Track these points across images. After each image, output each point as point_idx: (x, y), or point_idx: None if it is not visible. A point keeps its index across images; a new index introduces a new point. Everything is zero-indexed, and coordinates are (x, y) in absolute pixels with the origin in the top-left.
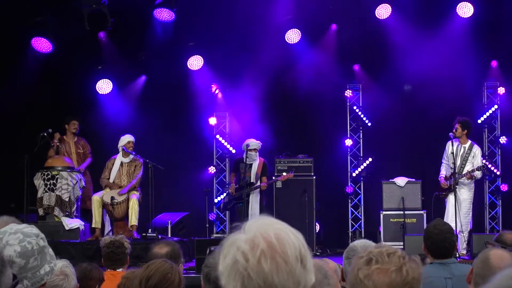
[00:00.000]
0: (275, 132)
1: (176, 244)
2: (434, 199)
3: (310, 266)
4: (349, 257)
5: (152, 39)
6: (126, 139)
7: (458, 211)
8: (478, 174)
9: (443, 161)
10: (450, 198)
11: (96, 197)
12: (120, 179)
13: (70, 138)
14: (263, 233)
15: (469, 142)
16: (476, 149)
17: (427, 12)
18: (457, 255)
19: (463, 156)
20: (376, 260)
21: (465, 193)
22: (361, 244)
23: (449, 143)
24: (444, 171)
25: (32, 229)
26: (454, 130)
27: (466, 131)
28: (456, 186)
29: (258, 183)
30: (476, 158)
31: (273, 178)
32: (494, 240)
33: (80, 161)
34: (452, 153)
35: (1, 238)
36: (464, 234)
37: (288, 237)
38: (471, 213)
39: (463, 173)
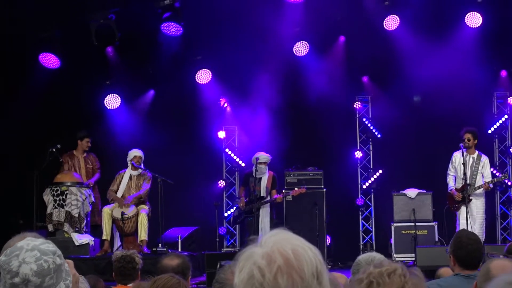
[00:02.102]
0: (285, 145)
1: (186, 256)
2: (446, 211)
3: (326, 283)
4: (355, 272)
5: (160, 53)
6: (133, 153)
7: (471, 222)
8: (491, 184)
9: (449, 172)
10: (463, 210)
11: (106, 209)
12: (129, 192)
13: (80, 153)
14: (280, 248)
15: (477, 152)
16: (485, 159)
17: (436, 23)
18: None
19: (473, 166)
20: (378, 283)
21: (479, 204)
22: (365, 258)
23: (457, 154)
24: (452, 183)
25: (49, 246)
26: (467, 141)
27: (476, 141)
28: (471, 198)
29: (269, 197)
30: (485, 168)
31: (284, 192)
32: (505, 251)
33: (89, 176)
34: (464, 163)
35: (17, 255)
36: None
37: (306, 253)
38: (485, 223)
39: (477, 183)
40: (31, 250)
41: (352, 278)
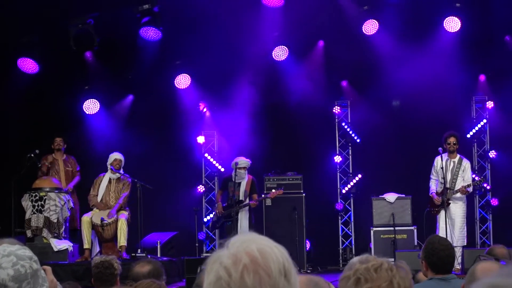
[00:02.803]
0: (264, 150)
1: (158, 262)
2: (426, 215)
3: (295, 281)
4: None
5: (139, 58)
6: (113, 157)
7: (450, 226)
8: (471, 188)
9: (431, 176)
10: (442, 214)
11: (86, 218)
12: (109, 196)
13: (59, 156)
14: (245, 248)
15: (458, 156)
16: (466, 163)
17: (414, 27)
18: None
19: (454, 170)
20: (365, 279)
21: (459, 208)
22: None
23: (438, 158)
24: (434, 187)
25: (25, 251)
26: (452, 144)
27: (458, 145)
28: (450, 202)
29: (247, 201)
30: (466, 172)
31: (262, 195)
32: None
33: (69, 180)
34: (442, 168)
35: None
36: (458, 249)
37: (272, 251)
38: (465, 227)
39: (457, 187)
40: (7, 255)
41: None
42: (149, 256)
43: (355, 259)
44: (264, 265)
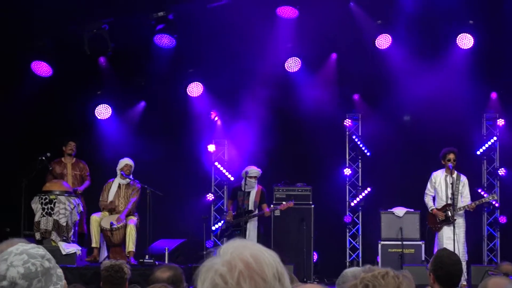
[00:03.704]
0: (274, 160)
1: (179, 268)
2: (428, 231)
3: (288, 285)
4: (340, 284)
5: (152, 65)
6: (123, 162)
7: (457, 242)
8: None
9: (427, 192)
10: (445, 230)
11: (95, 217)
12: (118, 201)
13: (68, 160)
14: (239, 254)
15: (456, 172)
16: (464, 179)
17: (428, 43)
18: None
19: (454, 186)
20: (373, 285)
21: (461, 223)
22: (352, 271)
23: (437, 173)
24: (432, 203)
25: (38, 250)
26: (453, 161)
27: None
28: (455, 218)
29: (257, 211)
30: (465, 188)
31: (272, 206)
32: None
33: (76, 183)
34: (452, 183)
35: (6, 259)
36: (464, 264)
37: (264, 256)
38: (466, 242)
39: (459, 204)
40: (19, 254)
41: None
42: (156, 263)
43: (349, 270)
44: (259, 270)
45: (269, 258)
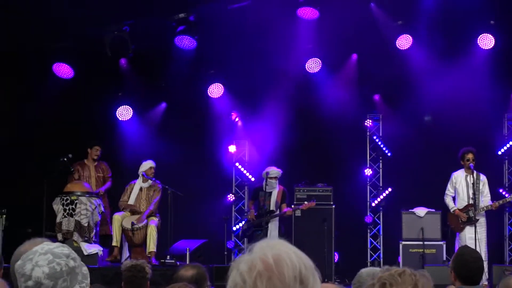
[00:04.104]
0: (294, 161)
1: (203, 267)
2: (450, 232)
3: (314, 287)
4: (355, 283)
5: (173, 66)
6: (147, 165)
7: (479, 241)
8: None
9: (447, 193)
10: (468, 230)
11: (117, 216)
12: (139, 203)
13: (91, 162)
14: (261, 254)
15: (475, 172)
16: (484, 178)
17: (448, 43)
18: None
19: (475, 186)
20: (390, 284)
21: (483, 223)
22: (367, 271)
23: (458, 174)
24: (453, 204)
25: (63, 249)
26: (472, 160)
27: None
28: (477, 218)
29: (278, 212)
30: (485, 187)
31: (293, 206)
32: None
33: (99, 185)
34: (473, 183)
35: (31, 259)
36: (485, 263)
37: (288, 257)
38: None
39: (481, 203)
40: (44, 253)
41: None
42: (178, 263)
43: (365, 269)
44: (277, 271)
45: (294, 259)
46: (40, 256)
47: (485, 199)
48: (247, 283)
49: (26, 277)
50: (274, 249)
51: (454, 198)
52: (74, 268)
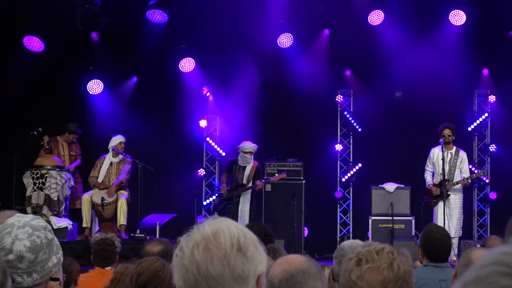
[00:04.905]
0: (265, 136)
1: (170, 243)
2: (423, 206)
3: (255, 257)
4: (337, 257)
5: (144, 40)
6: (117, 139)
7: (448, 217)
8: (470, 180)
9: (426, 168)
10: (440, 205)
11: (86, 197)
12: (110, 178)
13: (63, 140)
14: (200, 227)
15: (455, 147)
16: (463, 154)
17: (420, 19)
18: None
19: (451, 161)
20: (366, 260)
21: (458, 199)
22: (349, 244)
23: (435, 149)
24: (430, 178)
25: (39, 222)
26: (447, 136)
27: (454, 136)
28: (449, 193)
29: (250, 185)
30: (463, 163)
31: (263, 180)
32: (481, 246)
33: (71, 162)
34: (442, 159)
35: (9, 232)
36: (455, 240)
37: (227, 228)
38: (462, 218)
39: (455, 179)
40: (22, 226)
41: (335, 262)
42: (148, 237)
43: (347, 242)
44: (214, 240)
45: (232, 229)
46: (19, 229)
47: (464, 176)
48: (185, 254)
49: (7, 251)
50: (215, 223)
51: (433, 174)
52: (51, 240)
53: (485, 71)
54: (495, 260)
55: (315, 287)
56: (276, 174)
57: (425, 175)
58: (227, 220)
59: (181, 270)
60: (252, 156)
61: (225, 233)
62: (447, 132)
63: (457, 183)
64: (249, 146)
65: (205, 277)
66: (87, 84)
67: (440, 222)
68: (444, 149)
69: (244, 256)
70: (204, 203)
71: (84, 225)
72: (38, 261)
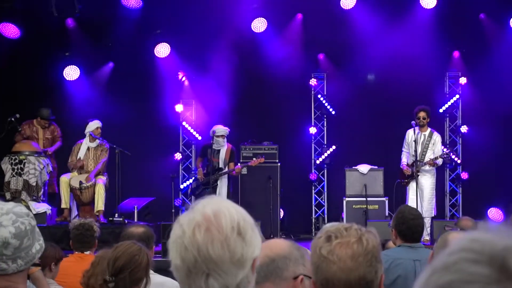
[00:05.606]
0: (241, 119)
1: (151, 228)
2: (396, 186)
3: (253, 240)
4: None
5: (120, 26)
6: (94, 125)
7: (419, 197)
8: (440, 161)
9: (403, 149)
10: (412, 185)
11: (64, 178)
12: (87, 163)
13: (37, 124)
14: (201, 208)
15: (429, 129)
16: (436, 136)
17: (392, 3)
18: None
19: (424, 143)
20: (336, 236)
21: (428, 180)
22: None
23: (410, 131)
24: (405, 159)
25: (22, 209)
26: (422, 119)
27: (429, 119)
28: (419, 173)
29: (226, 169)
30: (436, 145)
31: (240, 164)
32: (460, 230)
33: (48, 146)
34: (415, 141)
35: None
36: (427, 220)
37: (227, 210)
38: (434, 199)
39: (425, 160)
40: (6, 213)
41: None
42: (126, 221)
43: (328, 225)
44: (215, 222)
45: (233, 212)
46: (3, 216)
47: (430, 157)
48: (186, 233)
49: None
50: (215, 204)
51: (409, 155)
52: (34, 226)
53: (456, 54)
54: (464, 246)
55: (297, 271)
56: (254, 159)
57: (401, 156)
58: (226, 201)
59: (180, 249)
60: (225, 139)
61: (226, 216)
62: (422, 114)
63: (425, 164)
64: (221, 129)
65: (205, 259)
66: (64, 70)
67: (411, 202)
68: (418, 131)
69: (243, 240)
70: (181, 186)
71: (62, 205)
72: (22, 247)
